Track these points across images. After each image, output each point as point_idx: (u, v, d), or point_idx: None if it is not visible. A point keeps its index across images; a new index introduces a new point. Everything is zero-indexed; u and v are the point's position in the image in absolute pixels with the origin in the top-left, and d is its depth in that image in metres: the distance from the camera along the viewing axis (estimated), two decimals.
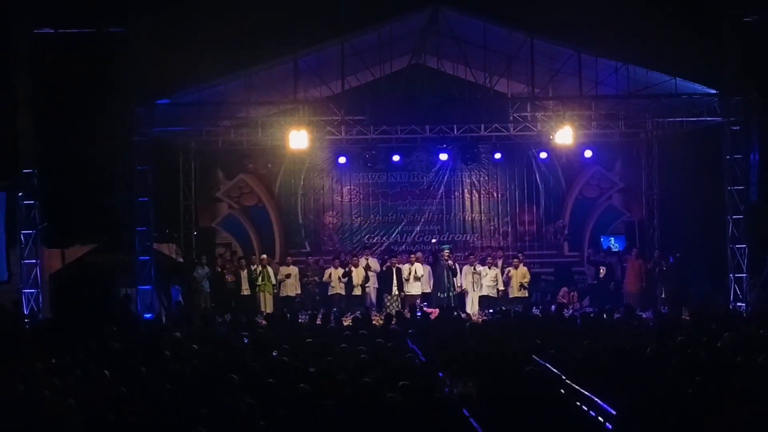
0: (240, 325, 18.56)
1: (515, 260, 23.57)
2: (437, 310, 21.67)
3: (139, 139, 21.13)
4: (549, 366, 13.22)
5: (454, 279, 23.32)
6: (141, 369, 12.57)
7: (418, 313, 21.24)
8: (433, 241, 24.62)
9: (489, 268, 23.34)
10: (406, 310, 22.14)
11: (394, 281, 23.31)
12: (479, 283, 23.29)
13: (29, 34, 20.63)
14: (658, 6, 20.43)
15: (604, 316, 18.98)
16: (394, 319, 18.79)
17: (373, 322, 18.63)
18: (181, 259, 24.42)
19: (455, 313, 20.72)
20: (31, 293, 20.74)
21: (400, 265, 23.55)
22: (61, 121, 20.47)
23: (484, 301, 23.17)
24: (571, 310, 22.00)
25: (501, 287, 23.36)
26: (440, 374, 12.67)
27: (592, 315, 19.50)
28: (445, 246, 24.28)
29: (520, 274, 23.35)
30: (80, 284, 20.59)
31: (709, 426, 9.83)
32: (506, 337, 15.46)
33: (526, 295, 23.35)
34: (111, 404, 10.81)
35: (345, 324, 18.70)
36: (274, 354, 13.99)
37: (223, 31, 20.40)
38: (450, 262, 23.42)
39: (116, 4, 20.52)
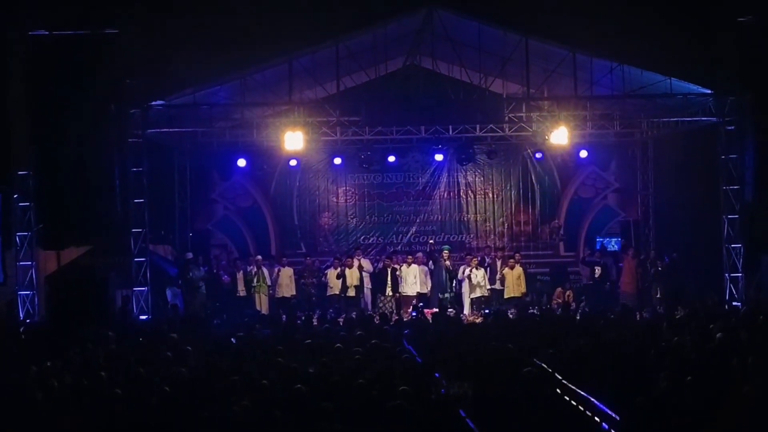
0: (236, 326, 18.55)
1: (511, 261, 23.44)
2: (433, 310, 21.64)
3: (133, 141, 21.15)
4: (545, 366, 13.21)
5: (454, 280, 23.21)
6: (140, 371, 12.56)
7: (414, 314, 21.23)
8: (431, 242, 24.52)
9: (477, 268, 23.14)
10: (402, 311, 22.14)
11: (389, 282, 23.26)
12: (471, 283, 23.15)
13: (24, 36, 20.60)
14: (653, 6, 20.43)
15: (601, 316, 18.97)
16: (391, 319, 18.79)
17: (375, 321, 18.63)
18: (191, 254, 24.04)
19: (451, 314, 20.69)
20: (27, 295, 20.70)
21: (396, 266, 23.45)
22: (55, 122, 20.42)
23: (476, 301, 23.07)
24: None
25: (489, 286, 23.19)
26: (436, 375, 12.67)
27: (589, 315, 19.50)
28: (444, 247, 24.23)
29: (515, 274, 23.13)
30: (76, 286, 20.54)
31: (703, 427, 9.84)
32: (503, 338, 15.44)
33: (519, 295, 23.05)
34: (107, 407, 10.79)
35: (341, 325, 18.71)
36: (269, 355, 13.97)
37: (218, 32, 20.40)
38: (448, 263, 23.36)
39: (111, 6, 20.47)
